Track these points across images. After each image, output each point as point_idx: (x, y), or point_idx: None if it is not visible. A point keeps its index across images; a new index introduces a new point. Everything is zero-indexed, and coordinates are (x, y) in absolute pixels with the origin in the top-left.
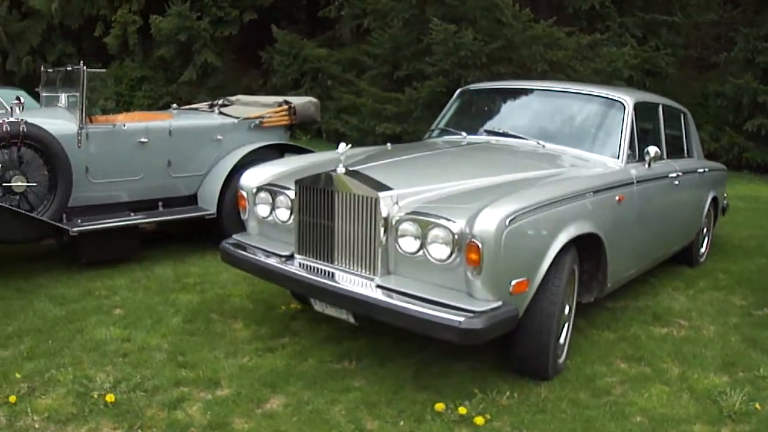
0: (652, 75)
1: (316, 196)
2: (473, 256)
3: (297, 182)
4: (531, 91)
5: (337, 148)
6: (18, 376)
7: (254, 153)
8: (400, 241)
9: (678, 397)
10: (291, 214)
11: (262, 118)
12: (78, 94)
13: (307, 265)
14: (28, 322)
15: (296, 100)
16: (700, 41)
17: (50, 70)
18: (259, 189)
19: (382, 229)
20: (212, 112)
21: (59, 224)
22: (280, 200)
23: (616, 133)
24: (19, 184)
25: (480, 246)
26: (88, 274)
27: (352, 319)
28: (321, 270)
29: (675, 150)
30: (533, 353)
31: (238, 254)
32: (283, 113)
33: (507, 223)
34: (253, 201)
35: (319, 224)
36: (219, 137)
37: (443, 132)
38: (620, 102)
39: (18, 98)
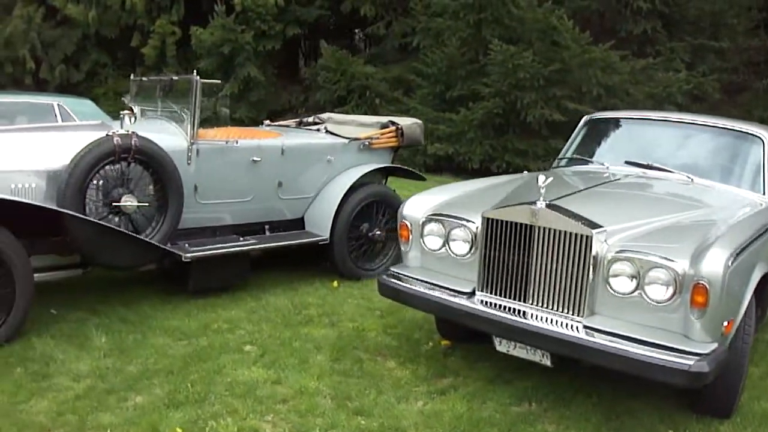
0: (699, 100)
1: (509, 231)
2: (699, 298)
3: (485, 215)
4: (662, 122)
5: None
6: (179, 431)
7: (365, 176)
8: (612, 281)
9: None
10: (471, 248)
11: (371, 139)
12: (183, 106)
13: (491, 303)
14: (153, 360)
15: (403, 122)
16: (743, 66)
17: (144, 79)
18: (429, 219)
19: (591, 268)
20: (318, 131)
21: (172, 249)
22: (457, 233)
23: (759, 168)
24: (130, 204)
25: (708, 287)
26: (197, 304)
27: (547, 361)
28: (510, 308)
29: None
30: (724, 392)
31: (407, 289)
32: (391, 135)
33: (730, 263)
34: (421, 232)
35: (510, 260)
36: (329, 158)
37: (572, 161)
38: (759, 137)
39: (130, 108)
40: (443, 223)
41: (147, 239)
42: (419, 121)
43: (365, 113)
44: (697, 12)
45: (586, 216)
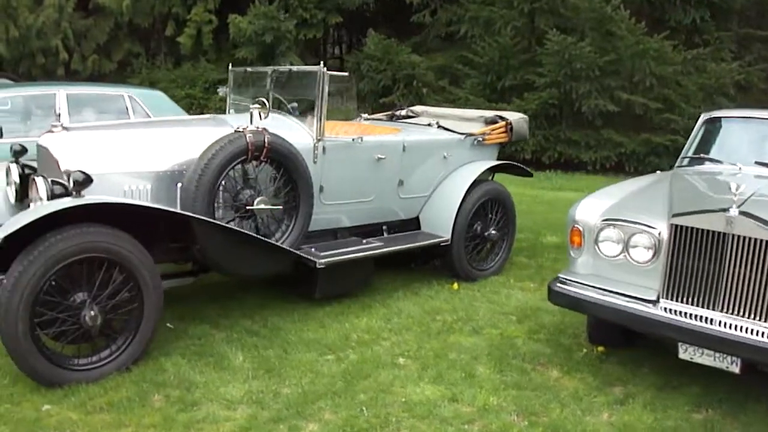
0: (744, 90)
1: (699, 238)
2: None
3: (674, 222)
4: None
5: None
6: None
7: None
8: None
9: None
10: (654, 254)
11: (485, 134)
12: (294, 99)
13: (678, 311)
14: (308, 380)
15: (511, 116)
16: None
17: (248, 70)
18: (605, 225)
19: None
20: (429, 125)
21: (306, 255)
22: (639, 239)
23: None
24: (263, 207)
25: None
26: (325, 312)
27: (735, 368)
28: (698, 316)
29: None
30: None
31: (586, 297)
32: (502, 130)
33: None
34: (596, 237)
35: (699, 268)
36: (446, 155)
37: (695, 161)
38: None
39: (262, 103)
40: (622, 228)
41: (283, 246)
42: (525, 117)
43: (412, 103)
44: (744, 1)
45: None
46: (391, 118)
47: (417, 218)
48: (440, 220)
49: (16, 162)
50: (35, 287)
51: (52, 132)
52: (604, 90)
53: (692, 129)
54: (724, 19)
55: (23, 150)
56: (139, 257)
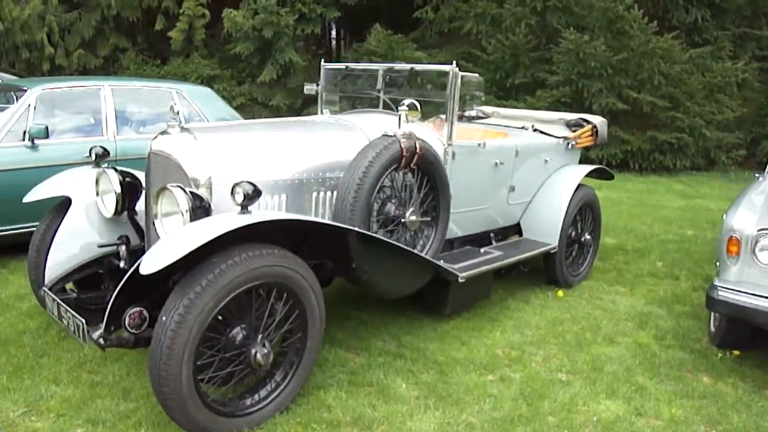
0: (739, 88)
1: None
2: None
3: None
4: None
5: None
6: None
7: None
8: None
9: None
10: None
11: (577, 139)
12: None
13: None
14: (488, 406)
15: (595, 120)
16: None
17: (350, 66)
18: (764, 234)
19: None
20: (523, 128)
21: (449, 268)
22: None
23: None
24: (414, 219)
25: None
26: (452, 326)
27: None
28: None
29: None
30: None
31: (755, 306)
32: (589, 134)
33: None
34: (753, 247)
35: None
36: (547, 159)
37: None
38: None
39: (413, 105)
40: None
41: (434, 260)
42: (605, 120)
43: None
44: (742, 1)
45: None
46: (459, 119)
47: (515, 225)
48: (546, 227)
49: (114, 169)
50: (203, 324)
51: (168, 133)
52: (613, 88)
53: (697, 127)
54: (722, 19)
55: (105, 153)
56: (309, 281)
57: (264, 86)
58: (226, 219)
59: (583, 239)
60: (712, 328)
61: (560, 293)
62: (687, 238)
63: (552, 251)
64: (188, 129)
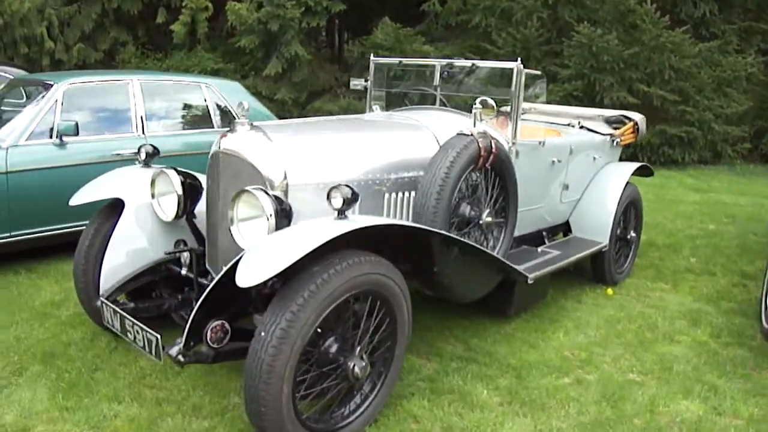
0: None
1: None
2: None
3: None
4: None
5: None
6: None
7: None
8: None
9: None
10: None
11: (622, 136)
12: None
13: None
14: (574, 410)
15: (635, 116)
16: None
17: (400, 61)
18: None
19: None
20: (570, 125)
21: (520, 270)
22: None
23: None
24: (490, 220)
25: None
26: (514, 328)
27: None
28: None
29: None
30: None
31: None
32: (631, 131)
33: None
34: None
35: None
36: (595, 156)
37: None
38: None
39: (488, 103)
40: None
41: (508, 262)
42: (644, 116)
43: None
44: None
45: None
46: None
47: (564, 223)
48: (597, 225)
49: (175, 169)
50: (305, 338)
51: (236, 131)
52: (624, 82)
53: (706, 121)
54: (729, 13)
55: (156, 152)
56: (402, 288)
57: (269, 80)
58: (326, 225)
59: (628, 236)
60: (765, 325)
61: (609, 291)
62: (711, 233)
63: (603, 249)
64: (259, 127)
